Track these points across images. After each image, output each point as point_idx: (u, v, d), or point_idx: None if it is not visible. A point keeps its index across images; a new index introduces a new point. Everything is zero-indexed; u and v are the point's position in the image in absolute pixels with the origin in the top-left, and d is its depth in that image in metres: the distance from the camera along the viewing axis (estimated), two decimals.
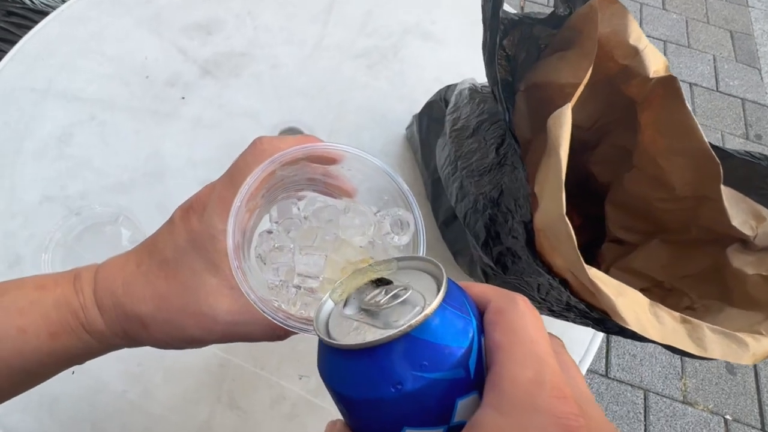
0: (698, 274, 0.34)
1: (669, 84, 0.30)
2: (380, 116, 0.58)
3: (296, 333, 0.20)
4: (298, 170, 0.23)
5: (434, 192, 0.49)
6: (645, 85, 0.32)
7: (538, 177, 0.27)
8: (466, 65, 0.64)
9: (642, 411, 1.14)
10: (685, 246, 0.36)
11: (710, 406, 1.16)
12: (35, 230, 0.47)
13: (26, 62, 0.56)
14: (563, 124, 0.25)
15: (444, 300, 0.16)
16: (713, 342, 0.23)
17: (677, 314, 0.24)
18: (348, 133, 0.57)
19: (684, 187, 0.34)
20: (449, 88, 0.49)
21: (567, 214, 0.24)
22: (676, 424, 1.13)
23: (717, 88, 1.66)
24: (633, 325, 0.23)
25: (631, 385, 1.16)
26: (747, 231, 0.31)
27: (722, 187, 0.31)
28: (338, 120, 0.58)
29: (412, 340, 0.15)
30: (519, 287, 0.33)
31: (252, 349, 0.44)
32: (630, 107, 0.34)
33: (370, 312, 0.17)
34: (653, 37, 1.75)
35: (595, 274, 0.24)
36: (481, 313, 0.17)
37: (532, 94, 0.36)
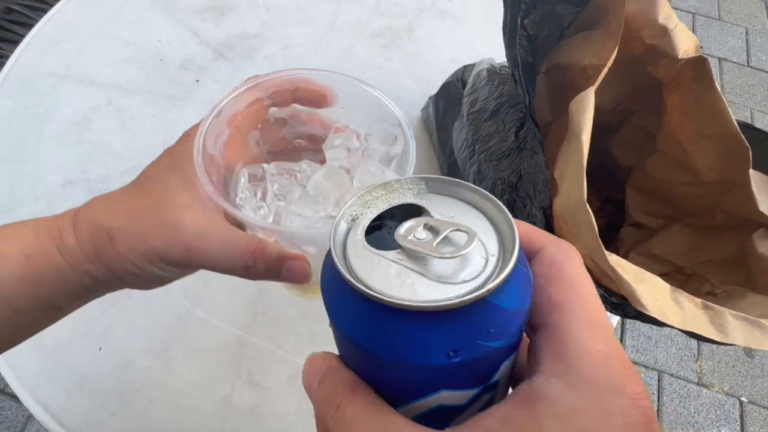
0: (721, 260, 0.34)
1: (699, 65, 0.29)
2: (395, 98, 0.56)
3: (275, 276, 0.20)
4: (292, 116, 0.23)
5: (450, 175, 0.49)
6: (673, 66, 0.30)
7: (558, 162, 0.27)
8: (484, 44, 0.62)
9: (655, 392, 1.14)
10: (708, 231, 0.35)
11: (726, 388, 1.15)
12: (59, 213, 0.49)
13: (43, 47, 0.57)
14: (586, 110, 0.24)
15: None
16: (735, 328, 0.23)
17: (699, 300, 0.24)
18: None
19: (710, 171, 0.33)
20: (466, 69, 0.48)
21: (586, 197, 0.23)
22: (689, 405, 1.13)
23: (748, 63, 1.58)
24: (653, 311, 0.23)
25: (646, 366, 1.16)
26: None
27: (751, 171, 0.30)
28: None
29: (485, 305, 0.12)
30: None
31: (269, 329, 0.46)
32: (656, 89, 0.33)
33: (412, 254, 0.13)
34: (681, 10, 1.67)
35: (615, 260, 0.23)
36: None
37: (554, 75, 0.35)
